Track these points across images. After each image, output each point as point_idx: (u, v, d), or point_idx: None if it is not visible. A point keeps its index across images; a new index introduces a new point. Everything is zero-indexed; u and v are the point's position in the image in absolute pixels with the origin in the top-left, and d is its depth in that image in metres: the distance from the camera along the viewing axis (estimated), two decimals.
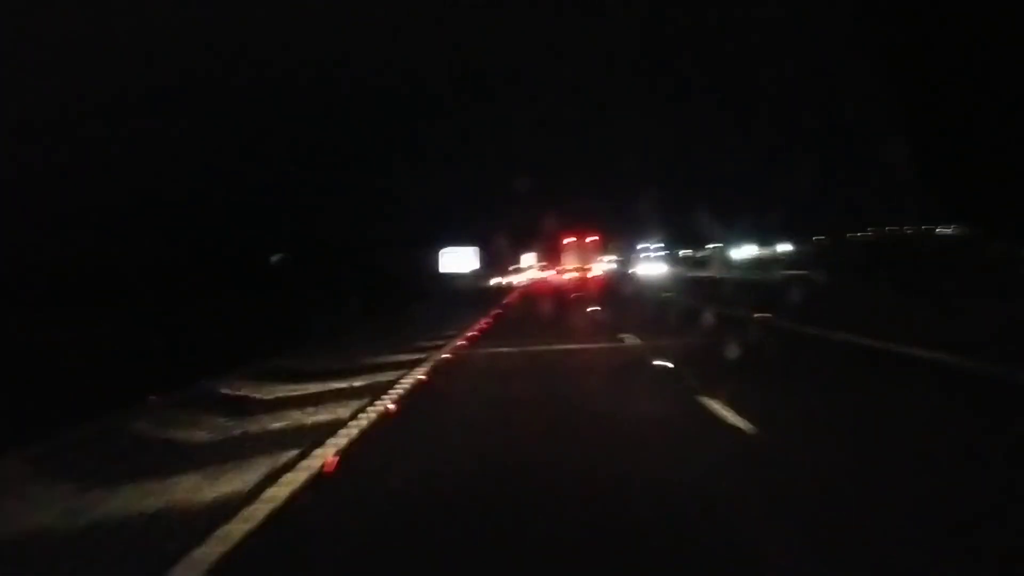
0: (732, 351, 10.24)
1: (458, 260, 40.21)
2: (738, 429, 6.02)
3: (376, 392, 8.43)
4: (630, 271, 63.96)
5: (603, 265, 67.36)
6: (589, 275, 61.42)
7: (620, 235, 71.83)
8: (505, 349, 12.55)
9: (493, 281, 50.82)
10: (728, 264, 53.31)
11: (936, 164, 19.82)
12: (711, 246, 64.35)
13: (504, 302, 29.72)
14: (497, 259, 51.30)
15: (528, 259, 65.33)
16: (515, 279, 57.18)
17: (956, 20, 16.99)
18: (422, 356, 11.74)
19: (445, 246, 46.49)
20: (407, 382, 9.16)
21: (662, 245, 69.21)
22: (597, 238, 63.66)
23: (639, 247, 69.02)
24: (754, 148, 34.14)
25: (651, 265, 64.75)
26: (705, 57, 26.82)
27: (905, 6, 18.85)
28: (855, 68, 23.06)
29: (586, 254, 63.87)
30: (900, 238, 31.83)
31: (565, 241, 63.17)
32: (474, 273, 41.14)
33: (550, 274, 63.68)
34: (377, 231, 27.86)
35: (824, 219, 41.34)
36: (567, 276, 60.76)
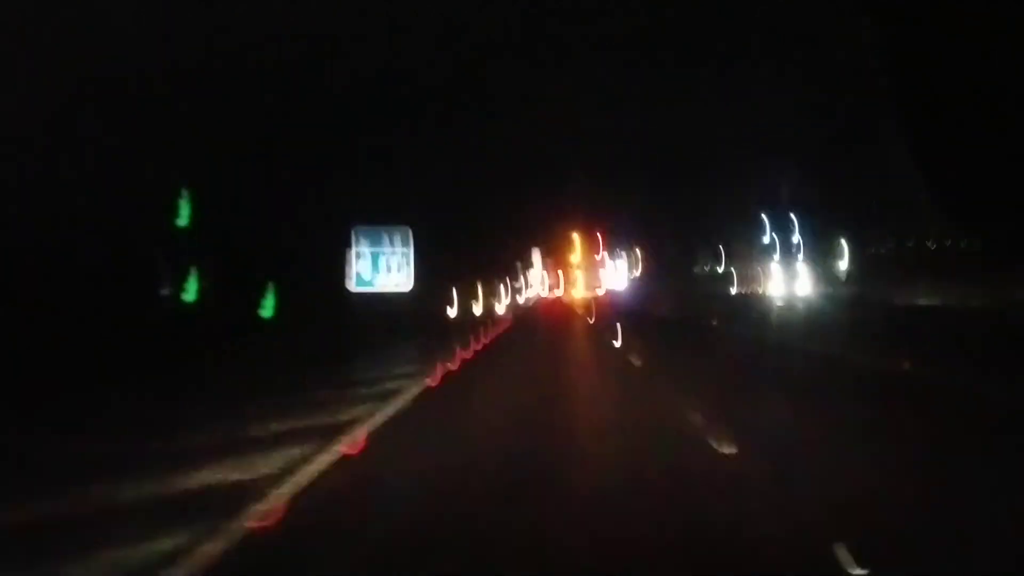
0: None
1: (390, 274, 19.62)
2: None
3: None
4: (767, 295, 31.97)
5: (616, 281, 64.01)
6: (599, 293, 58.26)
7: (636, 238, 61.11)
8: None
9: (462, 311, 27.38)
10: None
11: (942, 173, 18.03)
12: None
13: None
14: (484, 275, 36.81)
15: (534, 276, 61.56)
16: (502, 307, 35.00)
17: (962, 23, 15.04)
18: None
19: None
20: None
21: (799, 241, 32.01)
22: (602, 252, 60.21)
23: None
24: (755, 149, 30.70)
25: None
26: (702, 56, 24.07)
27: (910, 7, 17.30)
28: (856, 69, 20.99)
29: (596, 270, 60.47)
30: None
31: (572, 256, 59.99)
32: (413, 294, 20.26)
33: (557, 294, 60.28)
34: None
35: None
36: (578, 295, 57.77)
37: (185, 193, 15.65)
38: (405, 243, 19.83)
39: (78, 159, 15.15)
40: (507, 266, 44.79)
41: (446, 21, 18.51)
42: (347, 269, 19.32)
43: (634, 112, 28.92)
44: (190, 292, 15.89)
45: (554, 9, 19.83)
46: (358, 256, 19.47)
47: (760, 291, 35.53)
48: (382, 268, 19.70)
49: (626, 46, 22.71)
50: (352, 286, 19.45)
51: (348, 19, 16.64)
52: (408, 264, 19.72)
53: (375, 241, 19.71)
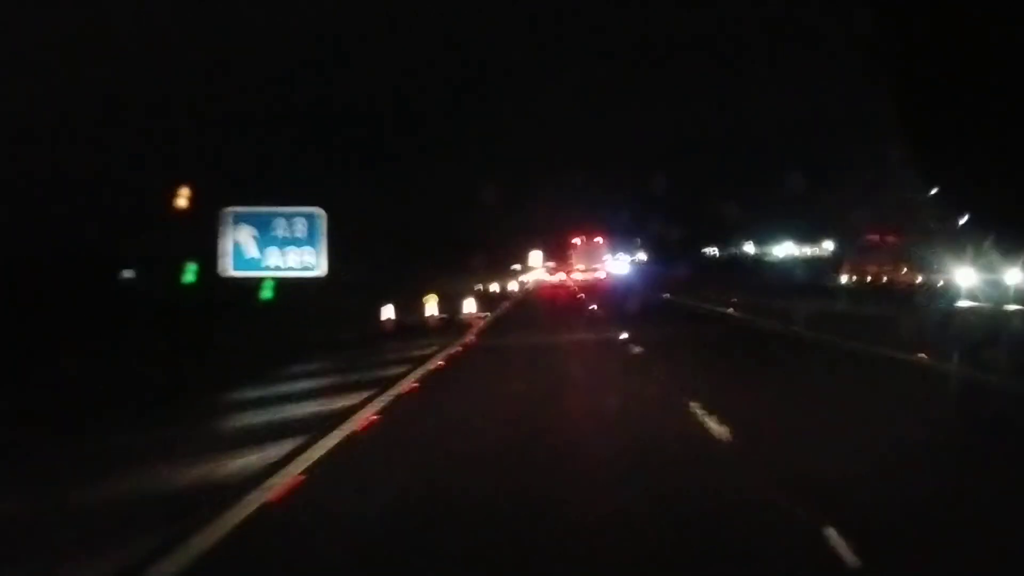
0: None
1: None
2: None
3: None
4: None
5: (617, 265, 63.90)
6: (600, 277, 58.21)
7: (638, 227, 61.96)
8: None
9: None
10: None
11: (940, 162, 18.06)
12: None
13: None
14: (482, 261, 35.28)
15: (535, 258, 61.58)
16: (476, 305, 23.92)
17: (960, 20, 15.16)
18: None
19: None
20: None
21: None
22: (601, 239, 60.16)
23: None
24: (753, 146, 30.86)
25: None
26: (701, 55, 24.13)
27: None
28: (852, 64, 20.95)
29: (595, 253, 60.42)
30: None
31: (574, 240, 59.84)
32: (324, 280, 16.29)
33: (558, 278, 60.10)
34: None
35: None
36: (579, 277, 57.74)
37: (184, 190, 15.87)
38: (311, 226, 15.85)
39: (72, 157, 15.32)
40: (498, 261, 41.09)
41: (447, 22, 18.59)
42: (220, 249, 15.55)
43: (634, 108, 28.96)
44: (189, 275, 16.86)
45: (555, 10, 19.82)
46: (235, 240, 15.66)
47: (926, 283, 25.47)
48: (272, 250, 15.84)
49: (627, 47, 22.73)
50: (229, 268, 15.57)
51: (348, 22, 16.71)
52: (316, 248, 15.75)
53: (263, 226, 15.82)
